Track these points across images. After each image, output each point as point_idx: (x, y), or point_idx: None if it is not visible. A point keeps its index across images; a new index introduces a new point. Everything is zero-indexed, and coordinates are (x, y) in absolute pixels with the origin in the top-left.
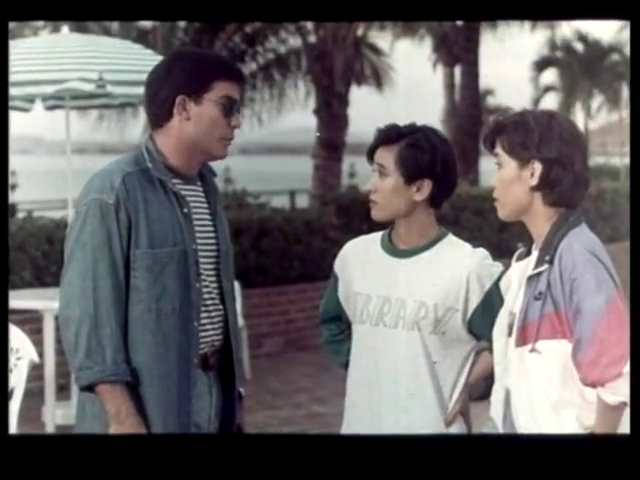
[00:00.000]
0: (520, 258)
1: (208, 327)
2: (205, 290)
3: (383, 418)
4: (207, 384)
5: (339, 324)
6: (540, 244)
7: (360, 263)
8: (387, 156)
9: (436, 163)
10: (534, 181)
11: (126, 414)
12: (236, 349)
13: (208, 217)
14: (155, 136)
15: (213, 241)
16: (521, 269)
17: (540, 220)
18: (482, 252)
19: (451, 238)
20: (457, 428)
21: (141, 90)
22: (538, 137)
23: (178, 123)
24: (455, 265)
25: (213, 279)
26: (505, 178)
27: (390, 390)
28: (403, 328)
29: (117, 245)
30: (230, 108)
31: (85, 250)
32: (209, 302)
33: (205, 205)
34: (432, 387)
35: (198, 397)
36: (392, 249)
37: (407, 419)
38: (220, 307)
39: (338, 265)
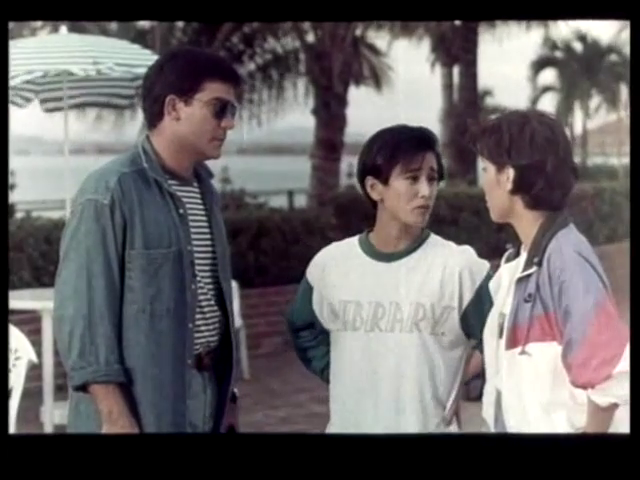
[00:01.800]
0: (509, 259)
1: (202, 328)
2: (200, 291)
3: (381, 422)
4: (202, 384)
5: (312, 331)
6: (528, 245)
7: (342, 271)
8: None
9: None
10: (509, 185)
11: (118, 414)
12: (234, 349)
13: (204, 218)
14: (151, 136)
15: (209, 242)
16: (510, 270)
17: (525, 222)
18: (468, 249)
19: (434, 237)
20: (454, 427)
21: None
22: (508, 143)
23: (169, 123)
24: (446, 263)
25: (208, 280)
26: (488, 182)
27: (390, 392)
28: (401, 331)
29: (112, 245)
30: (221, 110)
31: (79, 250)
32: (204, 303)
33: (201, 206)
34: (431, 388)
35: (193, 397)
36: (377, 253)
37: (407, 421)
38: (215, 308)
39: (313, 274)
